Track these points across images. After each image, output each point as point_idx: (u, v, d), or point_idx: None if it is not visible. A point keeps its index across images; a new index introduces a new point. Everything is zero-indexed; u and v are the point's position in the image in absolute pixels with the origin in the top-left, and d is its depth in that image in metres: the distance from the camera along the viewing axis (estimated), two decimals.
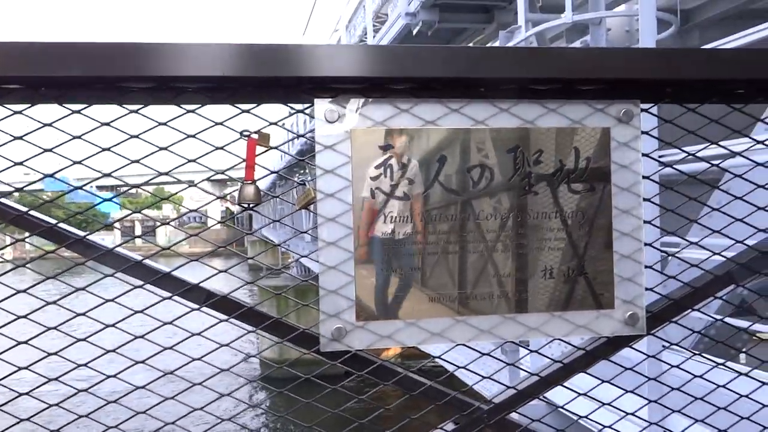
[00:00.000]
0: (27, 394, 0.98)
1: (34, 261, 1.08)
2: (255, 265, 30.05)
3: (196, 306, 1.02)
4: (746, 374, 1.19)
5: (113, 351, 1.00)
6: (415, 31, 9.19)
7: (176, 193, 1.41)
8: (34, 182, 1.01)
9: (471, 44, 10.65)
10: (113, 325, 1.01)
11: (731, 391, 1.14)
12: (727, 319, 1.37)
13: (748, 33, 3.48)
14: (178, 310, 1.06)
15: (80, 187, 1.08)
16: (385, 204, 1.01)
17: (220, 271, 1.06)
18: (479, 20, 9.18)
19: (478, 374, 1.12)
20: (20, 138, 0.96)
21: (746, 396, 1.15)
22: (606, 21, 5.21)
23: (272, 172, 1.10)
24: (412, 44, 9.54)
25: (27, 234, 1.03)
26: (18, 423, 0.99)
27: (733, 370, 1.21)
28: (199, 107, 1.00)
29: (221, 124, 1.00)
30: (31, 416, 0.98)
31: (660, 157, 2.99)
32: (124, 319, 1.01)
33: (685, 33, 6.43)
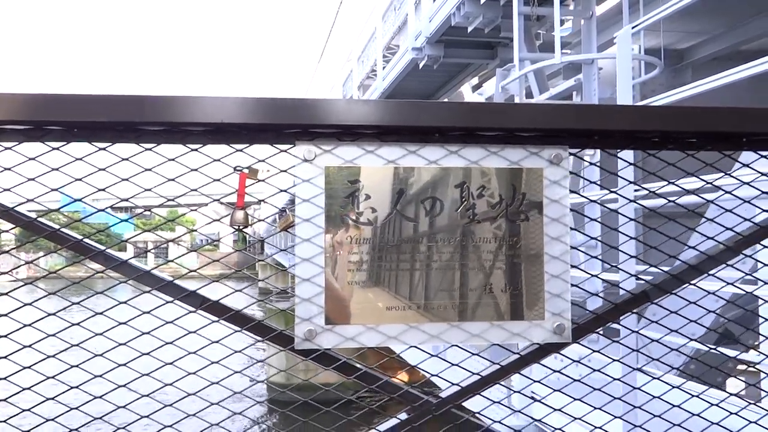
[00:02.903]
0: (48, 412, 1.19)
1: (63, 285, 1.30)
2: (266, 289, 30.26)
3: (193, 309, 1.23)
4: (679, 387, 1.37)
5: (124, 365, 1.20)
6: (421, 65, 9.51)
7: (184, 214, 1.62)
8: (66, 205, 1.23)
9: (476, 78, 10.96)
10: (125, 344, 1.21)
11: (648, 393, 1.34)
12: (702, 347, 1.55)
13: (732, 72, 3.77)
14: (180, 329, 1.25)
15: (103, 210, 1.31)
16: (351, 228, 1.23)
17: (235, 291, 1.27)
18: (483, 56, 9.50)
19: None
20: (56, 169, 1.19)
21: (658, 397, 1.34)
22: (598, 60, 5.47)
23: (258, 201, 1.32)
24: (414, 74, 9.81)
25: (41, 254, 1.26)
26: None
27: (669, 384, 1.39)
28: (202, 146, 1.22)
29: (219, 160, 1.22)
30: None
31: (635, 191, 3.18)
32: (132, 339, 1.21)
33: (678, 72, 6.68)
